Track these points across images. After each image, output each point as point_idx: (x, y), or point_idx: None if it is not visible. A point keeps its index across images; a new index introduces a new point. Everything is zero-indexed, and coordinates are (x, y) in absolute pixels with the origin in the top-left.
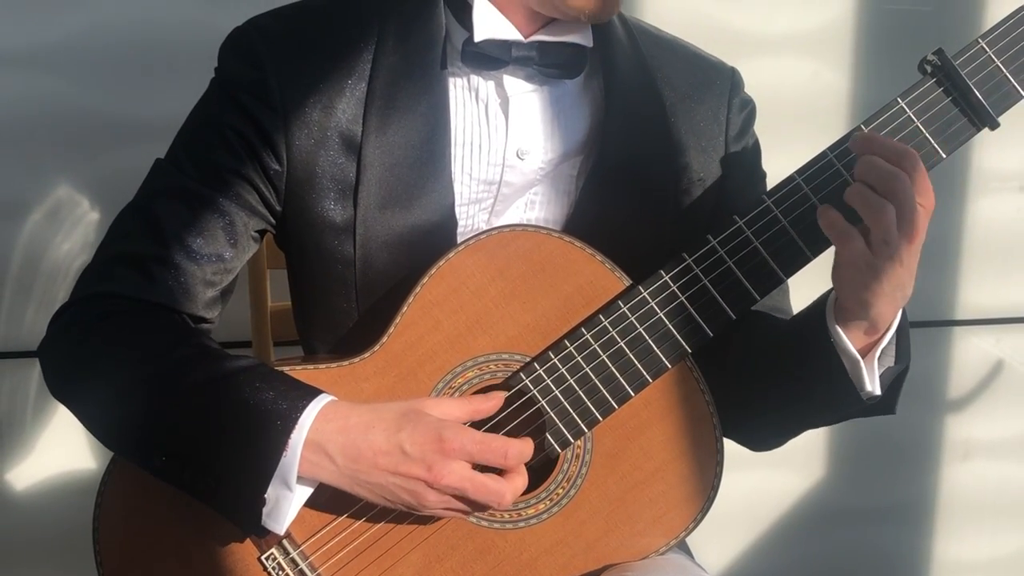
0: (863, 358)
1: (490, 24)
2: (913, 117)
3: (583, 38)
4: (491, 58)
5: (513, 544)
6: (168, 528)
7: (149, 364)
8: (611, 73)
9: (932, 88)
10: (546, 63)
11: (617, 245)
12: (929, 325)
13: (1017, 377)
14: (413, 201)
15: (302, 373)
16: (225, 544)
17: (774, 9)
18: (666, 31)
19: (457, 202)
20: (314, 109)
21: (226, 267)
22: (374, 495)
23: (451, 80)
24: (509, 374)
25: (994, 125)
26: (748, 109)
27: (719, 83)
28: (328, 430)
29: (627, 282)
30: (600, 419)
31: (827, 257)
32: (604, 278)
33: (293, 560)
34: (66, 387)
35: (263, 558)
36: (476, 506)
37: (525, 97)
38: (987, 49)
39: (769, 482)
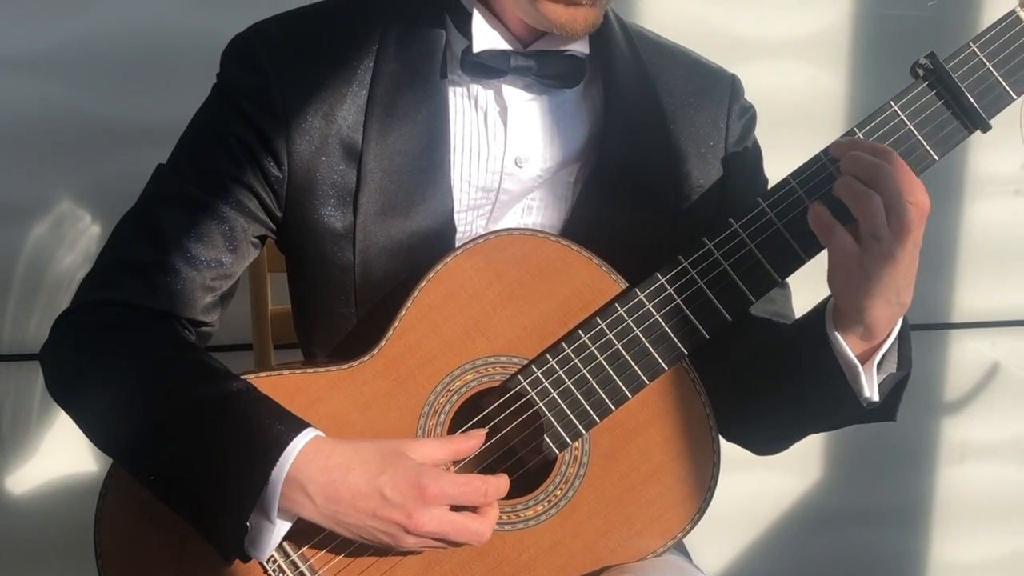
0: (862, 364)
1: (489, 34)
2: (906, 120)
3: (580, 47)
4: (490, 67)
5: (512, 545)
6: (168, 530)
7: (141, 384)
8: (611, 80)
9: (924, 91)
10: (544, 73)
11: (614, 250)
12: (925, 328)
13: (1013, 380)
14: (412, 208)
15: (302, 376)
16: None
17: (771, 14)
18: (665, 37)
19: (456, 209)
20: (315, 116)
21: (226, 272)
22: (352, 534)
23: (451, 88)
24: (507, 377)
25: (986, 128)
26: (748, 116)
27: (719, 90)
28: (309, 469)
29: (624, 285)
30: (597, 421)
31: (826, 261)
32: (601, 281)
33: (294, 562)
34: (64, 393)
35: (264, 560)
36: (454, 546)
37: (524, 106)
38: (978, 53)
39: (766, 483)
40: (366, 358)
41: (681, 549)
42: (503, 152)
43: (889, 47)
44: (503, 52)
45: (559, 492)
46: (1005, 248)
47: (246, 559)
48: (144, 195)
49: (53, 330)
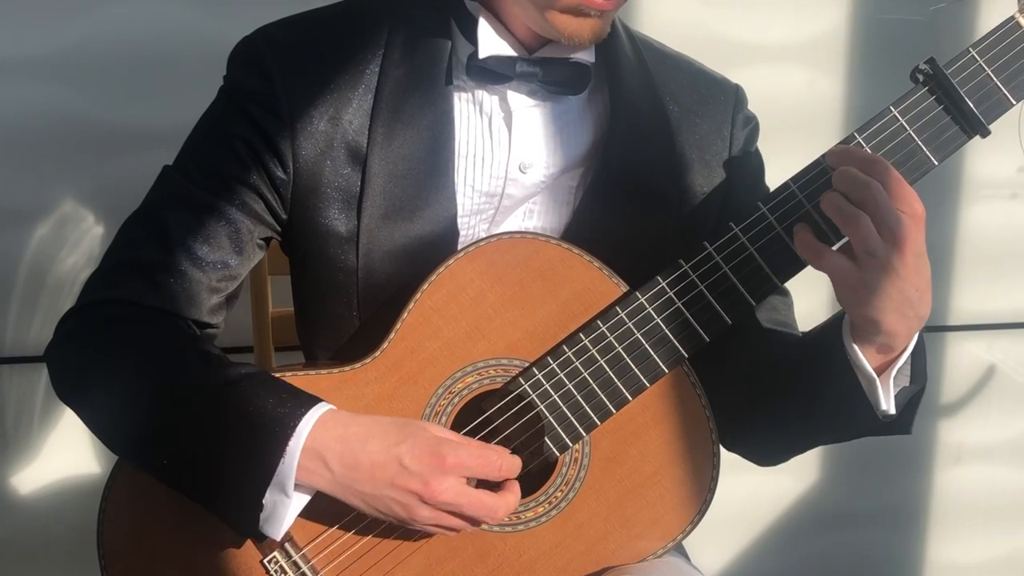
0: (878, 376)
1: (495, 40)
2: (906, 125)
3: (586, 55)
4: (495, 73)
5: (512, 547)
6: (171, 531)
7: (152, 370)
8: (616, 87)
9: (924, 96)
10: (549, 80)
11: (615, 254)
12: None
13: (1009, 382)
14: (416, 212)
15: (303, 379)
16: (228, 547)
17: (771, 19)
18: (670, 46)
19: (459, 213)
20: (321, 119)
21: (231, 274)
22: (366, 505)
23: (456, 93)
24: (508, 379)
25: (985, 133)
26: (751, 125)
27: (723, 99)
28: (326, 438)
29: (624, 288)
30: (598, 423)
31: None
32: (602, 284)
33: (295, 563)
34: (71, 391)
35: (265, 561)
36: (468, 521)
37: (528, 112)
38: (978, 58)
39: (765, 485)
40: (368, 360)
41: (680, 550)
42: (507, 158)
43: (888, 52)
44: (508, 58)
45: (560, 494)
46: (1001, 251)
47: (261, 538)
48: (150, 196)
49: (58, 329)
